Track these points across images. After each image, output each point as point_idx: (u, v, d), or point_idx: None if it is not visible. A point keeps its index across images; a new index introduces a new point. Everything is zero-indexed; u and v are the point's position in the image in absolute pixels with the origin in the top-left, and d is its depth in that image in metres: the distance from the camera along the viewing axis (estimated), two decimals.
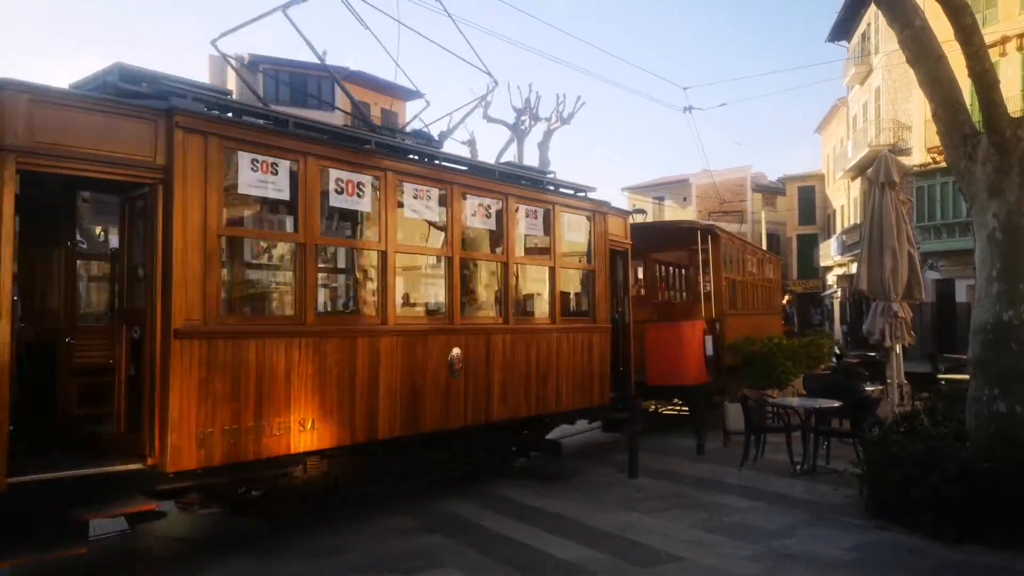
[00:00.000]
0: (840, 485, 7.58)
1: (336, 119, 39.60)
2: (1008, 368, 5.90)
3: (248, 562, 5.72)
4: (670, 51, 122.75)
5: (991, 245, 6.10)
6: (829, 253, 37.33)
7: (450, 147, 27.73)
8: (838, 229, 37.46)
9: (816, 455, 8.45)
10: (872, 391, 10.74)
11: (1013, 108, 17.18)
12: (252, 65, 38.59)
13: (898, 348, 11.02)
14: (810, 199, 45.57)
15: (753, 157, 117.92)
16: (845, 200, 36.68)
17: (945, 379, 11.39)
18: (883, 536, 6.02)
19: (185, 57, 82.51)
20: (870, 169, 11.12)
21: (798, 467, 8.33)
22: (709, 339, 11.30)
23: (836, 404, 8.53)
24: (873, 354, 14.91)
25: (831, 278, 38.85)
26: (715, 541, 6.04)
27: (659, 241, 13.49)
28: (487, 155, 47.33)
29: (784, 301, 19.92)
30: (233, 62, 15.77)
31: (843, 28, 33.32)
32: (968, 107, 6.42)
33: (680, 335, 11.14)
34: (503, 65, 56.14)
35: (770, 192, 49.15)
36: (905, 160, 25.64)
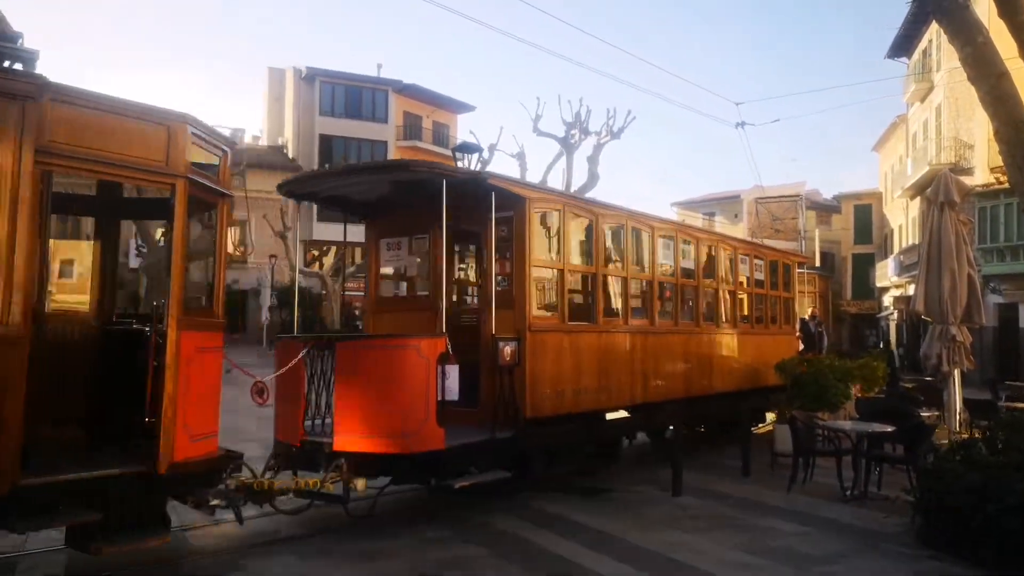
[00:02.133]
0: (891, 512, 7.35)
1: (389, 131, 40.33)
2: None
3: (289, 563, 5.82)
4: (723, 66, 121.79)
5: None
6: (886, 273, 36.35)
7: (499, 160, 28.24)
8: (896, 249, 36.48)
9: (867, 481, 8.21)
10: (928, 417, 10.42)
11: None
12: (309, 77, 39.57)
13: (956, 373, 10.68)
14: (867, 218, 44.51)
15: (808, 174, 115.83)
16: (903, 220, 35.72)
17: (1007, 407, 10.97)
18: (935, 567, 5.82)
19: (242, 71, 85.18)
20: (929, 188, 10.84)
21: (848, 492, 8.11)
22: (450, 371, 6.53)
23: (888, 428, 8.28)
24: (929, 378, 14.45)
25: (887, 299, 37.82)
26: (760, 565, 5.92)
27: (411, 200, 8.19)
28: (536, 168, 47.58)
29: (807, 316, 17.34)
30: None
31: (904, 44, 32.59)
32: None
33: (375, 363, 6.61)
34: (554, 79, 56.34)
35: (825, 210, 48.18)
36: (967, 180, 24.91)
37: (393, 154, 38.66)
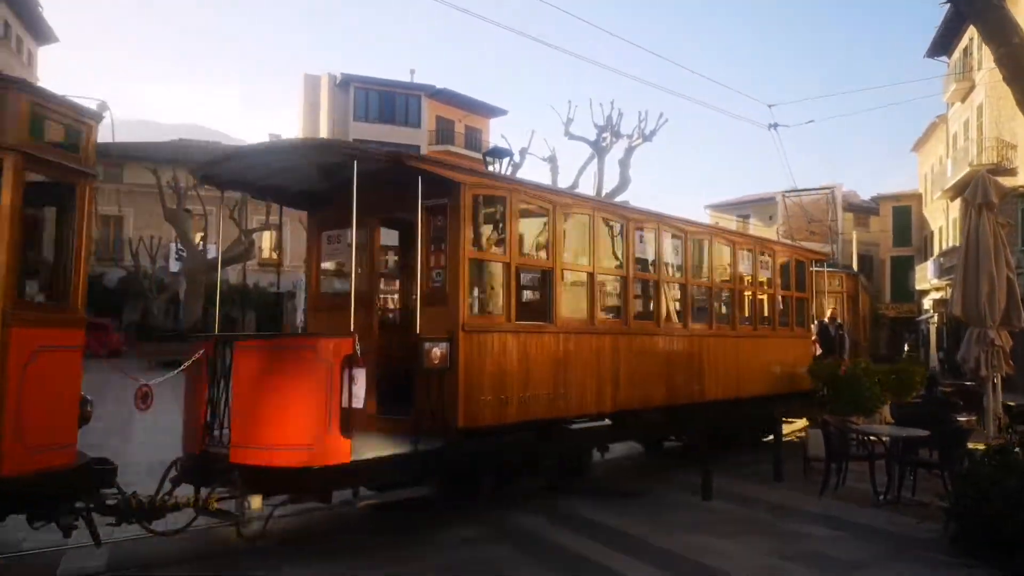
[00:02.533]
0: (925, 518, 7.26)
1: (422, 136, 40.73)
2: None
3: (325, 562, 5.96)
4: (757, 69, 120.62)
5: None
6: (926, 276, 35.66)
7: (528, 163, 28.39)
8: (935, 251, 35.77)
9: (901, 486, 8.11)
10: (965, 422, 10.23)
11: None
12: (343, 84, 40.15)
13: (996, 378, 10.47)
14: (906, 220, 43.71)
15: (845, 175, 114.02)
16: (944, 221, 35.00)
17: None
18: (969, 574, 5.75)
19: (279, 76, 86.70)
20: (967, 190, 10.68)
21: (881, 497, 8.02)
22: (357, 376, 5.90)
23: (924, 433, 8.17)
24: (969, 383, 14.17)
25: (927, 302, 37.07)
26: (790, 569, 5.90)
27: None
28: (568, 172, 47.61)
29: (826, 317, 15.43)
30: None
31: (944, 43, 31.96)
32: None
33: (271, 366, 6.00)
34: (586, 83, 56.32)
35: (862, 212, 47.38)
36: (1010, 181, 24.36)
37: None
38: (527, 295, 9.42)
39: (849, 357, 15.19)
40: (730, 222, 41.45)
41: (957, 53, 31.89)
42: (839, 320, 14.95)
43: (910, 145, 43.01)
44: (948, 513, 6.57)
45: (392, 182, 6.64)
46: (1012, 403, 12.39)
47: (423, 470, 6.74)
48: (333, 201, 7.60)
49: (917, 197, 42.84)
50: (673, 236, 9.91)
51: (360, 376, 5.87)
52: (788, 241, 17.00)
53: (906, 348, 29.66)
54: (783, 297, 12.63)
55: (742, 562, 6.02)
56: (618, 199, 24.04)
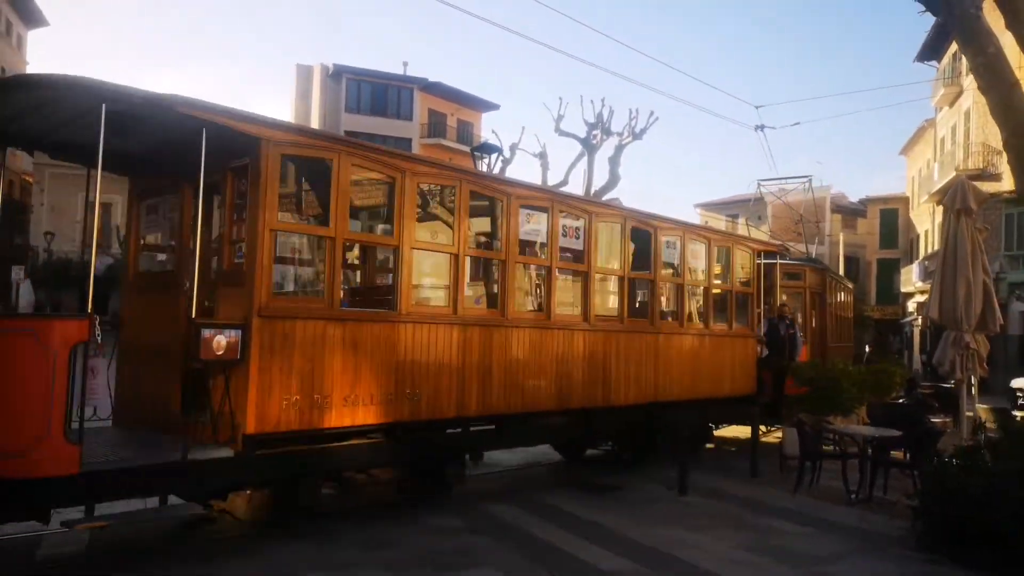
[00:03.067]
0: (895, 516, 7.41)
1: (414, 129, 40.66)
2: None
3: (306, 548, 6.04)
4: (745, 69, 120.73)
5: None
6: (911, 279, 35.99)
7: (519, 159, 28.51)
8: (921, 254, 36.10)
9: (873, 485, 8.26)
10: (939, 423, 10.42)
11: None
12: (335, 75, 40.04)
13: (972, 380, 10.65)
14: (893, 222, 44.04)
15: (833, 177, 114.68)
16: (930, 225, 35.32)
17: (1021, 415, 10.94)
18: (933, 570, 5.89)
19: (271, 69, 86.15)
20: (946, 195, 10.84)
21: (853, 496, 8.17)
22: (96, 368, 5.73)
23: (895, 434, 8.33)
24: (948, 385, 14.39)
25: (912, 305, 37.43)
26: (759, 562, 6.03)
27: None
28: (559, 169, 47.66)
29: (776, 314, 13.15)
30: None
31: (933, 48, 32.21)
32: None
33: None
34: (578, 80, 56.32)
35: (851, 214, 47.70)
36: (995, 186, 24.62)
37: (417, 150, 38.99)
38: (368, 278, 8.40)
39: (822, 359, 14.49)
40: (719, 221, 41.69)
41: (946, 58, 32.15)
42: (790, 318, 13.11)
43: (899, 148, 43.35)
44: (916, 512, 6.72)
45: (210, 140, 5.53)
46: (987, 406, 12.61)
47: (198, 485, 5.66)
48: (155, 163, 6.62)
49: (904, 200, 43.18)
50: (573, 217, 8.66)
51: (100, 368, 5.08)
52: (731, 232, 16.06)
53: (867, 349, 29.28)
54: (721, 291, 11.33)
55: (712, 555, 6.14)
56: (607, 197, 24.16)
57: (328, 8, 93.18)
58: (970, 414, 12.44)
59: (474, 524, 6.88)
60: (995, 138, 27.69)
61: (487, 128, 39.74)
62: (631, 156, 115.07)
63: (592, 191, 23.47)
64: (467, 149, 38.01)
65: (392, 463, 7.42)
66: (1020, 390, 18.35)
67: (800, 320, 15.12)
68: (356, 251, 8.54)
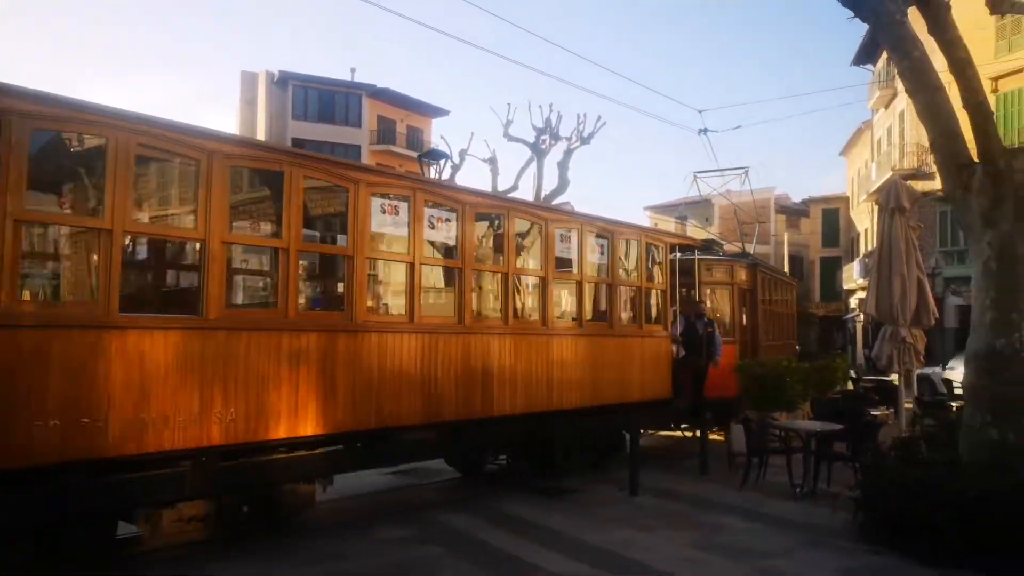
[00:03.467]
0: (838, 509, 7.60)
1: (363, 135, 40.30)
2: (1000, 396, 5.95)
3: (253, 563, 5.92)
4: (688, 74, 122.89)
5: (986, 274, 6.17)
6: (852, 276, 37.08)
7: (469, 164, 28.50)
8: (861, 252, 37.20)
9: (817, 478, 8.48)
10: (879, 416, 10.74)
11: None
12: (281, 82, 39.44)
13: (910, 373, 11.04)
14: (834, 222, 45.29)
15: (778, 178, 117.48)
16: (869, 223, 36.42)
17: (956, 405, 11.34)
18: (874, 560, 6.06)
19: (214, 73, 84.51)
20: (880, 194, 11.19)
21: (798, 490, 8.37)
22: None
23: (837, 427, 8.56)
24: (889, 379, 14.85)
25: (854, 301, 38.53)
26: (707, 560, 6.13)
27: None
28: (509, 174, 47.82)
29: (693, 313, 12.14)
30: None
31: (868, 52, 33.25)
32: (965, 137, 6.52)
33: None
34: (527, 85, 56.63)
35: (794, 214, 48.92)
36: (929, 185, 25.53)
37: (366, 158, 38.65)
38: (185, 279, 7.43)
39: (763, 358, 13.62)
40: (668, 223, 42.34)
41: (881, 62, 33.23)
42: (707, 316, 12.27)
43: (839, 149, 44.64)
44: (857, 503, 6.91)
45: None
46: (927, 398, 13.07)
47: None
48: None
49: (845, 200, 44.45)
50: (441, 208, 7.71)
51: None
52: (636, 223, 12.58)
53: (796, 348, 28.80)
54: (626, 289, 10.68)
55: (663, 554, 6.22)
56: (557, 201, 24.29)
57: (274, 16, 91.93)
58: (909, 406, 12.87)
59: (426, 534, 6.84)
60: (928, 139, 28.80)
61: (438, 134, 39.65)
62: (581, 161, 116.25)
63: (542, 195, 23.56)
64: (417, 156, 37.95)
65: (202, 495, 6.15)
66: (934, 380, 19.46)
67: (728, 318, 14.14)
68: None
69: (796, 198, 50.43)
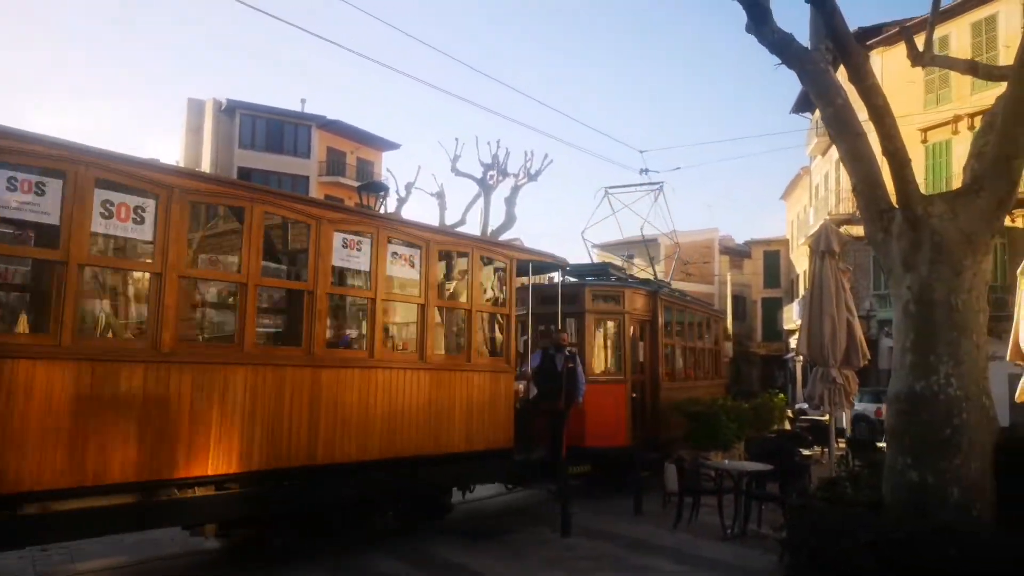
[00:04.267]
0: (767, 550, 7.59)
1: (312, 167, 39.96)
2: (919, 438, 6.01)
3: None
4: (630, 115, 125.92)
5: (905, 317, 6.28)
6: (792, 316, 37.92)
7: (417, 198, 28.50)
8: (800, 293, 38.15)
9: (747, 519, 8.46)
10: (811, 455, 10.86)
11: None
12: (228, 110, 38.95)
13: (842, 414, 11.21)
14: (775, 263, 46.43)
15: (721, 221, 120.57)
16: (807, 265, 37.49)
17: (883, 446, 11.54)
18: None
19: (157, 99, 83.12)
20: (811, 238, 11.46)
21: (729, 531, 8.33)
22: None
23: (766, 468, 8.59)
24: (822, 418, 15.09)
25: (793, 341, 39.40)
26: None
27: None
28: (456, 209, 47.95)
29: (550, 345, 10.22)
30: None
31: (807, 100, 34.56)
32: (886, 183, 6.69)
33: None
34: (475, 120, 57.15)
35: (737, 255, 50.05)
36: (863, 230, 26.46)
37: (315, 189, 38.26)
38: None
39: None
40: (615, 260, 42.72)
41: (818, 111, 34.59)
42: (571, 349, 10.18)
43: (780, 193, 46.01)
44: (783, 544, 6.88)
45: None
46: (852, 435, 13.28)
47: None
48: None
49: (785, 242, 45.70)
50: (199, 202, 6.49)
51: None
52: (470, 234, 12.33)
53: (725, 387, 26.95)
54: (448, 312, 9.01)
55: None
56: (504, 237, 24.38)
57: (221, 41, 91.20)
58: (843, 446, 13.07)
59: None
60: None
61: (389, 166, 39.58)
62: (530, 197, 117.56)
63: (489, 231, 23.63)
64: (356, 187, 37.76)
65: None
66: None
67: (612, 353, 12.24)
68: None
69: (739, 239, 51.67)
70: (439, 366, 8.18)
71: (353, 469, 7.15)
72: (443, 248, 8.52)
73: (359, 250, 7.42)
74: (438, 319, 8.71)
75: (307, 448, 6.74)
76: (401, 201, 24.33)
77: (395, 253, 7.81)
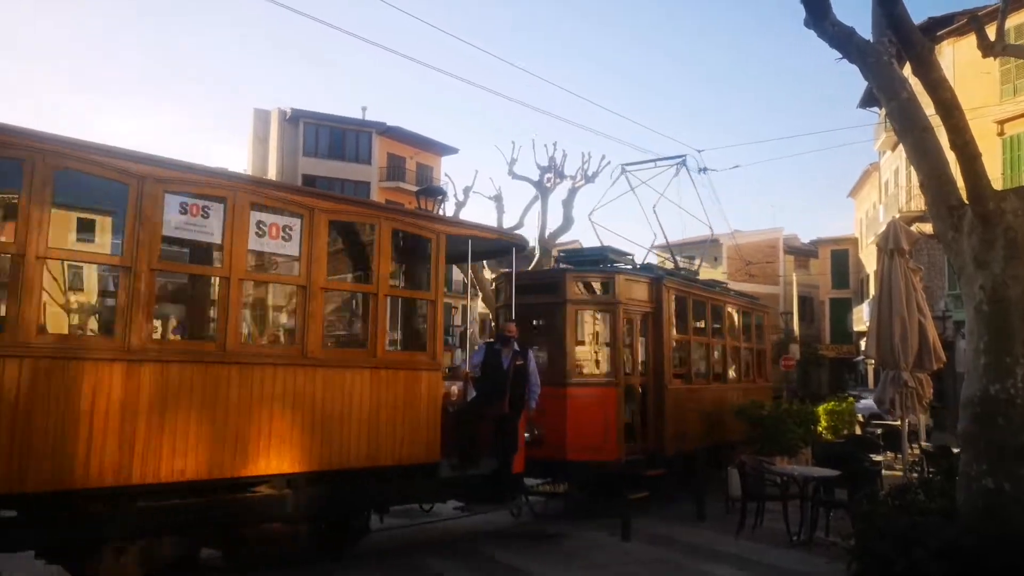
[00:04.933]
0: (834, 558, 7.37)
1: (372, 172, 40.71)
2: (995, 444, 5.75)
3: None
4: (688, 114, 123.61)
5: (978, 317, 6.02)
6: (862, 318, 36.70)
7: (475, 202, 28.76)
8: (871, 294, 36.92)
9: (815, 526, 8.23)
10: (880, 461, 10.49)
11: None
12: (293, 119, 40.05)
13: (916, 418, 10.79)
14: (844, 263, 45.03)
15: (786, 219, 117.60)
16: (876, 265, 36.28)
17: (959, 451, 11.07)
18: None
19: (230, 113, 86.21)
20: (879, 236, 11.09)
21: (795, 538, 8.13)
22: None
23: (833, 473, 8.35)
24: (895, 423, 14.55)
25: (864, 343, 38.15)
26: None
27: None
28: (514, 211, 48.06)
29: (496, 338, 9.15)
30: None
31: (874, 95, 33.46)
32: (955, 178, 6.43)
33: None
34: (533, 123, 57.27)
35: (803, 255, 48.75)
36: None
37: (376, 195, 38.96)
38: None
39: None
40: (664, 260, 42.09)
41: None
42: (516, 344, 8.42)
43: (848, 190, 44.64)
44: (850, 552, 6.68)
45: None
46: (928, 444, 12.78)
47: None
48: None
49: (853, 241, 44.28)
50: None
51: None
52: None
53: (784, 394, 25.10)
54: (341, 296, 8.08)
55: None
56: (562, 240, 24.33)
57: (288, 56, 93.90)
58: (917, 451, 12.58)
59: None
60: None
61: (447, 170, 39.96)
62: (585, 199, 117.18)
63: (546, 234, 23.61)
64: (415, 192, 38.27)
65: None
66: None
67: (597, 352, 10.90)
68: None
69: (805, 239, 50.34)
70: (326, 362, 6.66)
71: (194, 488, 5.85)
72: (335, 218, 6.99)
73: (205, 217, 6.08)
74: (338, 305, 7.84)
75: (116, 464, 5.40)
76: (459, 205, 24.51)
77: (261, 223, 6.40)
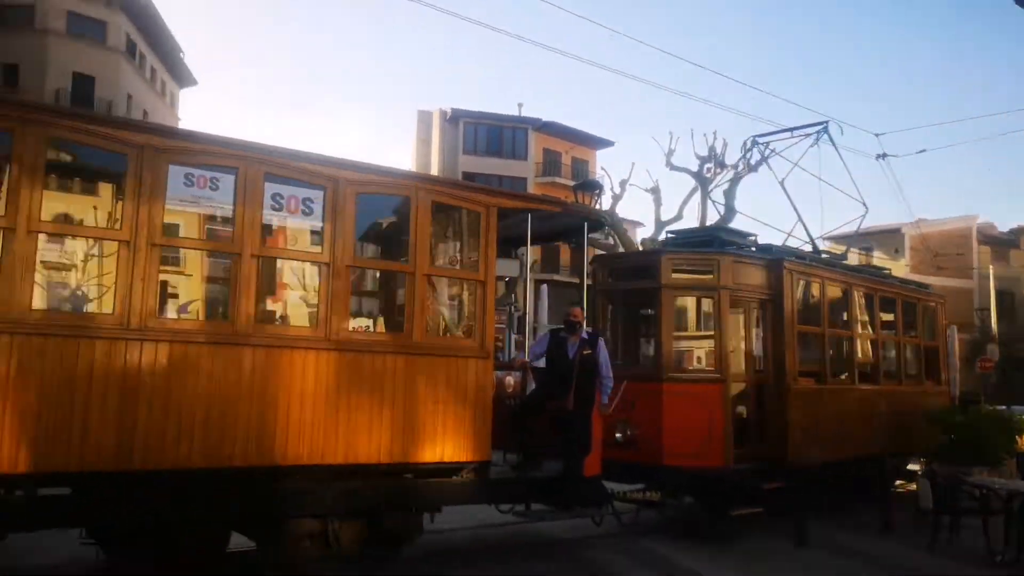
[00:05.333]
0: None
1: (529, 168, 41.27)
2: None
3: None
4: (864, 97, 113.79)
5: None
6: None
7: (632, 195, 28.23)
8: None
9: (1022, 545, 7.32)
10: None
11: None
12: (453, 119, 41.42)
13: None
14: None
15: (980, 206, 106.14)
16: None
17: None
18: None
19: (389, 112, 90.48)
20: None
21: (999, 557, 7.26)
22: None
23: None
24: None
25: None
26: None
27: None
28: (672, 203, 46.78)
29: (576, 322, 7.43)
30: None
31: None
32: None
33: None
34: (692, 112, 55.41)
35: (1002, 245, 43.82)
36: None
37: (532, 189, 39.45)
38: None
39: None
40: (851, 254, 39.31)
41: None
42: (590, 331, 7.68)
43: None
44: None
45: None
46: None
47: None
48: None
49: None
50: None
51: None
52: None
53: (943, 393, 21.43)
54: (358, 272, 7.38)
55: None
56: None
57: (448, 57, 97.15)
58: None
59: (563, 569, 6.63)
60: None
61: (603, 164, 39.76)
62: (748, 189, 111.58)
63: (707, 225, 22.82)
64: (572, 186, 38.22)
65: None
66: None
67: (702, 343, 9.70)
68: None
69: (1003, 227, 45.31)
70: (352, 346, 5.98)
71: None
72: (363, 191, 6.16)
73: (214, 189, 5.60)
74: (369, 286, 7.74)
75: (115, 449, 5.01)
76: (616, 198, 24.21)
77: (277, 196, 5.88)
